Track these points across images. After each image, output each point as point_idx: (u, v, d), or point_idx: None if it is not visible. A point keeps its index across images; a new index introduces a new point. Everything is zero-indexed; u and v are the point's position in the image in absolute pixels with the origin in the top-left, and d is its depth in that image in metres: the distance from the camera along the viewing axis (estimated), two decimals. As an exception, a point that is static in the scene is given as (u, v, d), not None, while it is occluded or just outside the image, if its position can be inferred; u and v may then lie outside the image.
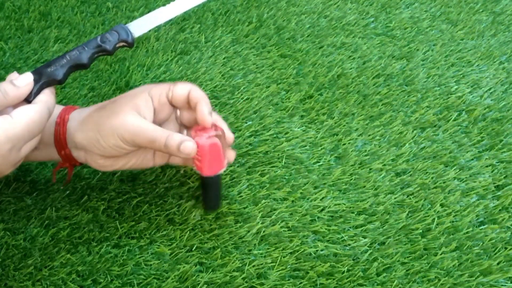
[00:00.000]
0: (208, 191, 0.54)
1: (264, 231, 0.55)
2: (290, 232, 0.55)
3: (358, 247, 0.54)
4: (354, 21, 0.86)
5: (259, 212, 0.57)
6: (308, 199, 0.58)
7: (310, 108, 0.70)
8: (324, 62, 0.77)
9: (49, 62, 0.49)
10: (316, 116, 0.69)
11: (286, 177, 0.61)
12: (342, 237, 0.55)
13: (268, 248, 0.54)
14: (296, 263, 0.52)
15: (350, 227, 0.56)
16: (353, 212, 0.57)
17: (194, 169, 0.53)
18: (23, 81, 0.46)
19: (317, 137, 0.66)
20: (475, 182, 0.61)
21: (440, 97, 0.72)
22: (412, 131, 0.67)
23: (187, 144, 0.50)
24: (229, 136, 0.54)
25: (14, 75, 0.47)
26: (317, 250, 0.54)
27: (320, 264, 0.52)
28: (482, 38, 0.84)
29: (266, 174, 0.61)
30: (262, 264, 0.52)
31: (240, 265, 0.52)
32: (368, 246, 0.54)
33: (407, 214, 0.57)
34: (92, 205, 0.56)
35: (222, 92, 0.71)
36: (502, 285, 0.52)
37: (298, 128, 0.67)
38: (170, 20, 0.55)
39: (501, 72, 0.78)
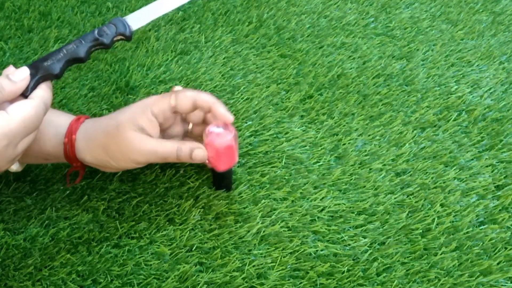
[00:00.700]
0: (221, 179, 0.57)
1: (264, 231, 0.55)
2: (290, 232, 0.55)
3: (358, 247, 0.54)
4: (354, 21, 0.86)
5: (259, 212, 0.57)
6: (308, 199, 0.58)
7: (310, 108, 0.70)
8: (324, 62, 0.77)
9: (46, 56, 0.48)
10: (316, 116, 0.69)
11: (286, 177, 0.61)
12: (342, 237, 0.55)
13: (268, 248, 0.54)
14: (296, 263, 0.52)
15: (350, 227, 0.56)
16: (353, 212, 0.57)
17: (208, 165, 0.55)
18: (20, 75, 0.46)
19: (317, 137, 0.66)
20: (475, 182, 0.61)
21: (440, 97, 0.72)
22: (412, 131, 0.67)
23: (197, 152, 0.52)
24: (227, 116, 0.54)
25: (10, 69, 0.46)
26: (317, 250, 0.54)
27: (320, 264, 0.52)
28: (482, 38, 0.84)
29: (266, 174, 0.61)
30: (262, 264, 0.52)
31: (240, 265, 0.52)
32: (368, 246, 0.54)
33: (407, 214, 0.57)
34: (92, 205, 0.56)
35: (222, 92, 0.71)
36: (502, 285, 0.52)
37: (298, 128, 0.67)
38: (168, 15, 0.55)
39: (501, 72, 0.78)
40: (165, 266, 0.52)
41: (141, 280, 0.50)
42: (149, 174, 0.59)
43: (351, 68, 0.77)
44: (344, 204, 0.58)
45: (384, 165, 0.62)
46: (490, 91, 0.74)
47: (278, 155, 0.63)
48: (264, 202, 0.58)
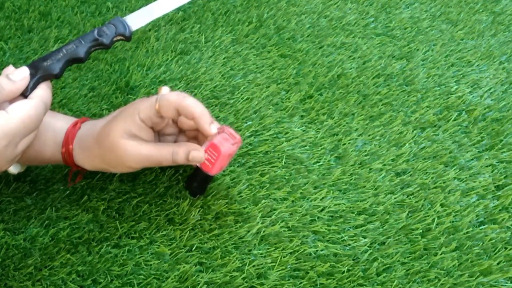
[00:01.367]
0: (202, 183, 0.56)
1: (264, 231, 0.55)
2: (290, 232, 0.55)
3: (358, 247, 0.54)
4: (354, 21, 0.86)
5: (259, 212, 0.57)
6: (308, 199, 0.58)
7: (310, 108, 0.70)
8: (324, 62, 0.77)
9: (45, 55, 0.48)
10: (316, 116, 0.69)
11: (286, 177, 0.61)
12: (342, 237, 0.55)
13: (268, 248, 0.54)
14: (296, 263, 0.52)
15: (350, 227, 0.56)
16: (353, 212, 0.57)
17: (197, 165, 0.54)
18: (19, 75, 0.46)
19: (317, 137, 0.66)
20: (475, 182, 0.61)
21: (440, 97, 0.72)
22: (412, 131, 0.67)
23: (194, 154, 0.51)
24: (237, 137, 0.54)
25: (9, 69, 0.46)
26: (317, 250, 0.54)
27: (320, 264, 0.52)
28: (482, 38, 0.84)
29: (266, 174, 0.60)
30: (262, 264, 0.52)
31: (240, 265, 0.52)
32: (368, 246, 0.54)
33: (407, 214, 0.57)
34: (92, 205, 0.56)
35: (222, 92, 0.71)
36: (502, 285, 0.52)
37: (298, 128, 0.67)
38: (168, 15, 0.54)
39: (501, 72, 0.78)
40: (165, 266, 0.52)
41: (141, 280, 0.50)
42: (149, 174, 0.59)
43: (351, 68, 0.77)
44: (344, 204, 0.58)
45: (384, 165, 0.62)
46: (490, 91, 0.74)
47: (278, 155, 0.63)
48: (264, 202, 0.58)
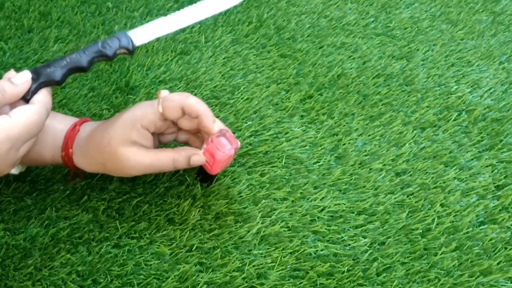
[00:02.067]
0: (206, 175, 0.57)
1: (264, 231, 0.55)
2: (290, 232, 0.55)
3: (358, 247, 0.54)
4: (354, 21, 0.86)
5: (259, 212, 0.57)
6: (308, 199, 0.58)
7: (310, 108, 0.70)
8: (324, 62, 0.77)
9: (49, 62, 0.49)
10: (316, 116, 0.69)
11: (286, 177, 0.61)
12: (342, 237, 0.55)
13: (268, 248, 0.54)
14: (296, 263, 0.52)
15: (350, 227, 0.56)
16: (353, 212, 0.57)
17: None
18: (21, 78, 0.46)
19: (317, 137, 0.66)
20: (475, 182, 0.61)
21: (440, 97, 0.72)
22: (412, 131, 0.67)
23: (195, 159, 0.52)
24: (235, 141, 0.54)
25: (11, 73, 0.47)
26: (317, 250, 0.54)
27: (320, 264, 0.52)
28: (482, 38, 0.84)
29: (266, 174, 0.60)
30: (262, 264, 0.52)
31: (240, 265, 0.52)
32: (368, 246, 0.54)
33: (407, 214, 0.57)
34: (92, 205, 0.56)
35: (222, 92, 0.71)
36: (502, 285, 0.52)
37: (298, 128, 0.67)
38: (168, 15, 0.54)
39: (501, 72, 0.78)
40: (165, 266, 0.52)
41: (141, 280, 0.50)
42: (149, 174, 0.59)
43: (351, 68, 0.77)
44: (344, 204, 0.58)
45: (384, 165, 0.62)
46: (490, 91, 0.74)
47: (278, 155, 0.63)
48: (264, 202, 0.57)
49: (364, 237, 0.55)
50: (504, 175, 0.62)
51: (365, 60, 0.78)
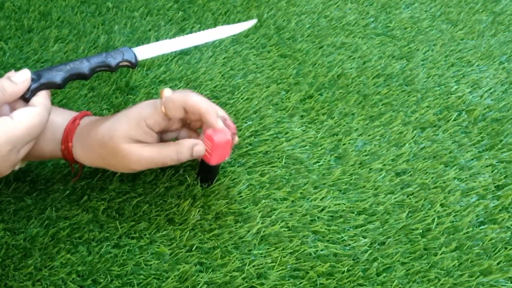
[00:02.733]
0: (207, 172, 0.57)
1: (264, 231, 0.55)
2: (290, 232, 0.55)
3: (358, 247, 0.54)
4: (354, 21, 0.86)
5: (259, 212, 0.57)
6: (308, 199, 0.58)
7: (310, 108, 0.70)
8: (324, 62, 0.77)
9: (52, 66, 0.50)
10: (316, 116, 0.69)
11: (286, 177, 0.61)
12: (342, 237, 0.55)
13: (268, 248, 0.54)
14: (296, 263, 0.52)
15: (350, 227, 0.56)
16: (353, 212, 0.57)
17: (199, 158, 0.55)
18: (21, 77, 0.47)
19: (317, 137, 0.66)
20: (475, 182, 0.61)
21: (440, 97, 0.72)
22: (412, 131, 0.67)
23: (197, 149, 0.53)
24: (232, 126, 0.55)
25: (11, 72, 0.47)
26: (317, 250, 0.54)
27: (320, 264, 0.52)
28: (482, 38, 0.84)
29: (266, 174, 0.61)
30: (262, 264, 0.52)
31: (240, 265, 0.52)
32: (368, 246, 0.54)
33: (407, 214, 0.57)
34: (92, 205, 0.56)
35: (222, 92, 0.71)
36: (502, 285, 0.52)
37: (298, 128, 0.67)
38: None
39: (501, 72, 0.78)
40: (165, 266, 0.52)
41: (141, 280, 0.50)
42: (149, 174, 0.59)
43: (351, 68, 0.77)
44: (344, 204, 0.58)
45: (384, 165, 0.62)
46: (490, 91, 0.74)
47: (278, 155, 0.63)
48: (264, 202, 0.58)
49: (364, 237, 0.55)
50: (504, 175, 0.62)
51: (365, 60, 0.78)
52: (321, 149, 0.64)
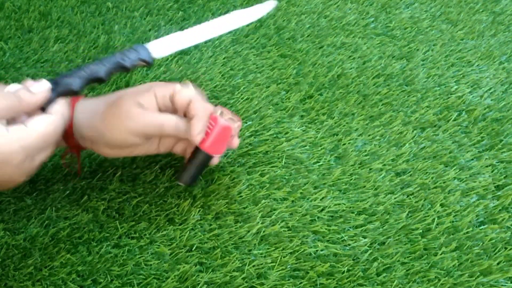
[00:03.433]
0: (194, 166, 0.55)
1: (264, 231, 0.55)
2: (290, 232, 0.55)
3: (358, 247, 0.54)
4: (354, 21, 0.86)
5: (259, 212, 0.57)
6: (308, 199, 0.58)
7: (310, 108, 0.70)
8: (324, 62, 0.77)
9: (67, 73, 0.49)
10: (316, 116, 0.69)
11: (286, 177, 0.61)
12: (342, 237, 0.55)
13: (268, 248, 0.54)
14: (296, 263, 0.52)
15: (350, 227, 0.56)
16: (353, 212, 0.57)
17: (187, 156, 0.55)
18: (39, 87, 0.46)
19: (317, 137, 0.66)
20: (475, 182, 0.61)
21: (440, 97, 0.72)
22: (412, 131, 0.67)
23: (196, 126, 0.52)
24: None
25: (29, 82, 0.46)
26: (317, 250, 0.54)
27: (320, 264, 0.52)
28: (482, 38, 0.84)
29: (266, 174, 0.61)
30: (262, 264, 0.52)
31: (240, 265, 0.52)
32: (368, 246, 0.54)
33: (407, 214, 0.57)
34: (92, 205, 0.56)
35: (222, 92, 0.71)
36: (502, 285, 0.52)
37: (298, 128, 0.67)
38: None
39: (501, 72, 0.78)
40: (165, 266, 0.52)
41: (141, 280, 0.50)
42: (149, 174, 0.59)
43: (351, 68, 0.77)
44: (344, 204, 0.58)
45: (384, 165, 0.62)
46: (490, 91, 0.74)
47: (278, 155, 0.63)
48: (264, 202, 0.58)
49: (364, 237, 0.55)
50: (504, 175, 0.62)
51: (365, 60, 0.78)
52: (321, 149, 0.64)
